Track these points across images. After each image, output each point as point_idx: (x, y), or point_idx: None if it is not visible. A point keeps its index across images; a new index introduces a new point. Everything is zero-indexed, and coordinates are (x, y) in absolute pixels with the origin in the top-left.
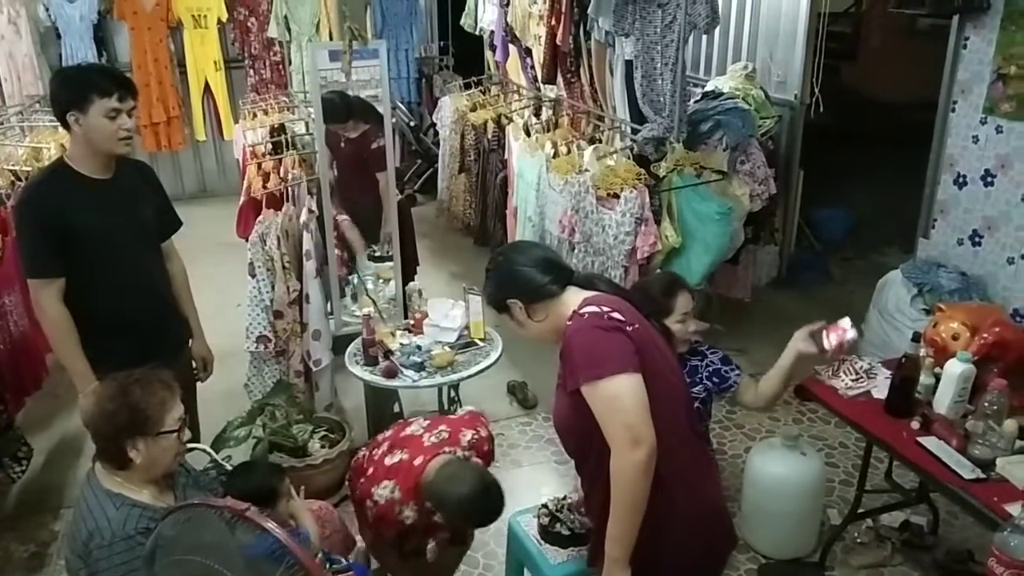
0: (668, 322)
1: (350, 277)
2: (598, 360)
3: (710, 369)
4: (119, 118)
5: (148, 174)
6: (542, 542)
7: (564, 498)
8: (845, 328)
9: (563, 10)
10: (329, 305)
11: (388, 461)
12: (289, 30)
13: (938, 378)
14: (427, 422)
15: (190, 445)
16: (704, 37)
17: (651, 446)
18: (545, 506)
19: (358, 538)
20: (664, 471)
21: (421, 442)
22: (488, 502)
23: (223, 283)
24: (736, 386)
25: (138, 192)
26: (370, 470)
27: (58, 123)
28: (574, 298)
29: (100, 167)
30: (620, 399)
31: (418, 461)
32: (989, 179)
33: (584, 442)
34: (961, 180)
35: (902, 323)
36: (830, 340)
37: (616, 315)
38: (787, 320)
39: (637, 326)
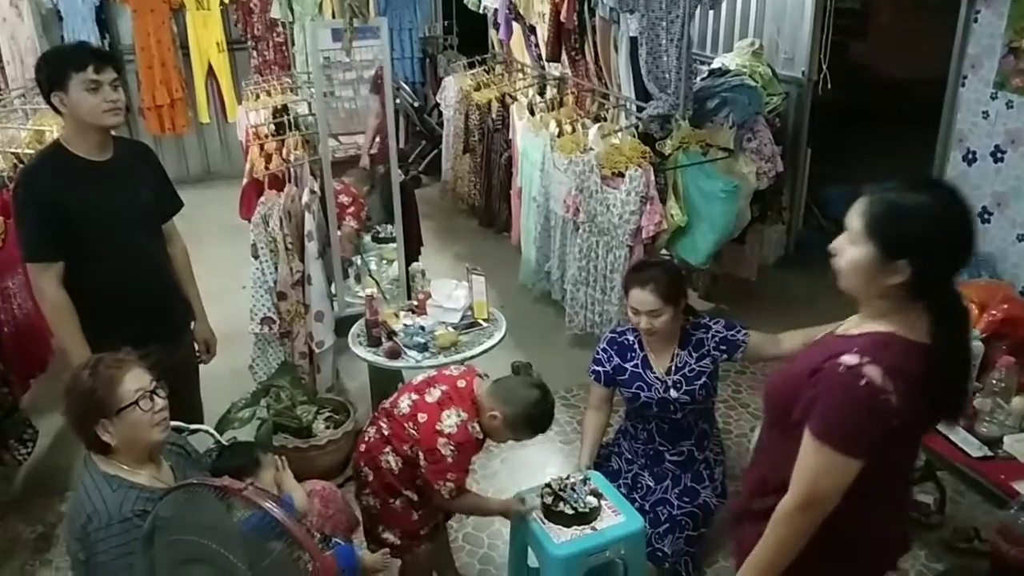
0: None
1: (353, 258)
2: (840, 431)
3: (716, 339)
4: (101, 90)
5: (147, 155)
6: (545, 521)
7: (567, 477)
8: None
9: None
10: (332, 286)
11: (430, 399)
12: (292, 10)
13: None
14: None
15: (193, 427)
16: (710, 13)
17: (822, 513)
18: (549, 485)
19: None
20: (852, 533)
21: (448, 374)
22: (549, 405)
23: (228, 265)
24: (745, 346)
25: (137, 173)
26: (420, 416)
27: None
28: (892, 320)
29: (96, 147)
30: (828, 472)
31: (462, 384)
32: (999, 155)
33: (781, 427)
34: (970, 156)
35: None
36: None
37: (885, 382)
38: (794, 300)
39: (904, 392)
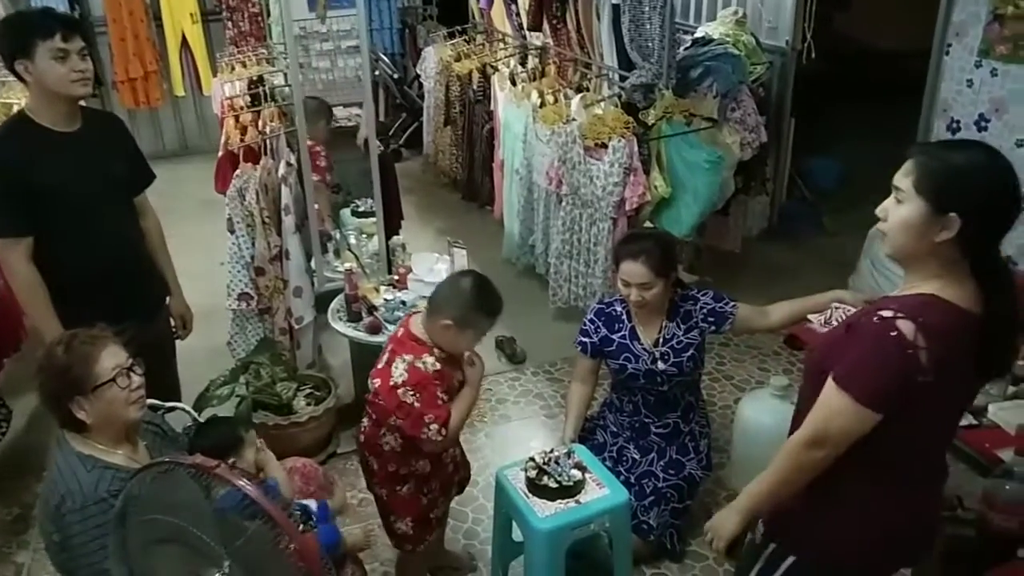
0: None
1: (332, 232)
2: (859, 378)
3: (704, 311)
4: (69, 59)
5: (117, 126)
6: (529, 495)
7: (551, 451)
8: None
9: None
10: (312, 262)
11: (382, 365)
12: None
13: None
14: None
15: (170, 405)
16: None
17: (827, 455)
18: (532, 459)
19: (348, 494)
20: (882, 506)
21: (392, 333)
22: (488, 284)
23: (207, 241)
24: (734, 318)
25: (106, 145)
26: (377, 382)
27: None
28: (937, 282)
29: (63, 118)
30: (841, 417)
31: (400, 332)
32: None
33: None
34: (954, 126)
35: (894, 273)
36: None
37: (917, 338)
38: (778, 271)
39: (936, 352)
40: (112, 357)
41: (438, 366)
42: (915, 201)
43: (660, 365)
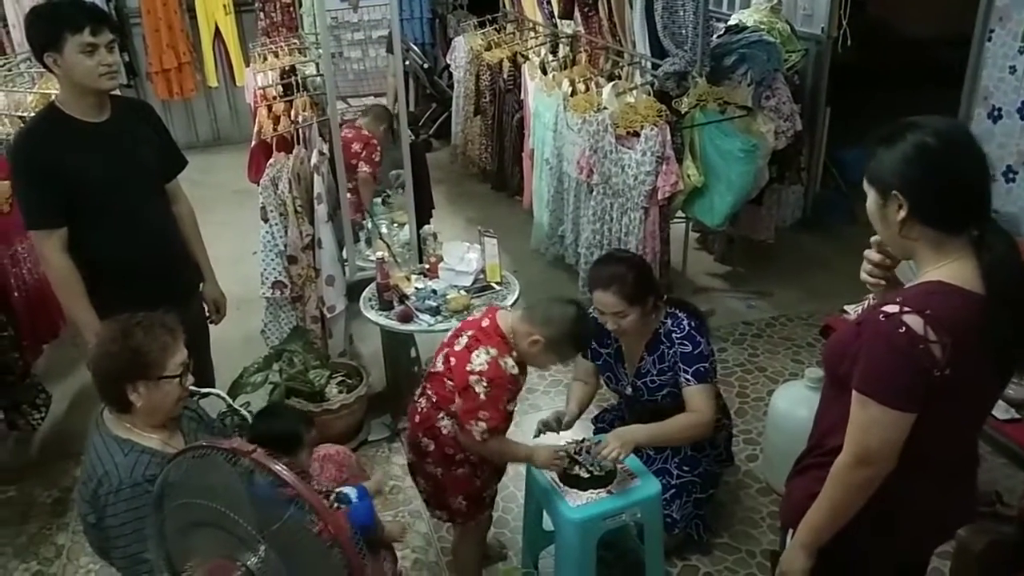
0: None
1: (364, 221)
2: (879, 381)
3: (675, 357)
4: (97, 53)
5: (146, 113)
6: (561, 485)
7: (583, 441)
8: None
9: None
10: (344, 250)
11: (459, 347)
12: None
13: None
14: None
15: (205, 390)
16: None
17: (878, 471)
18: (564, 449)
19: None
20: (900, 496)
21: (472, 319)
22: (589, 323)
23: (240, 230)
24: (685, 389)
25: (137, 132)
26: (452, 361)
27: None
28: (943, 268)
29: (92, 108)
30: (876, 426)
31: (485, 323)
32: None
33: (836, 387)
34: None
35: None
36: None
37: (927, 332)
38: (811, 262)
39: (948, 343)
40: (181, 354)
41: (515, 370)
42: (870, 192)
43: (637, 393)
